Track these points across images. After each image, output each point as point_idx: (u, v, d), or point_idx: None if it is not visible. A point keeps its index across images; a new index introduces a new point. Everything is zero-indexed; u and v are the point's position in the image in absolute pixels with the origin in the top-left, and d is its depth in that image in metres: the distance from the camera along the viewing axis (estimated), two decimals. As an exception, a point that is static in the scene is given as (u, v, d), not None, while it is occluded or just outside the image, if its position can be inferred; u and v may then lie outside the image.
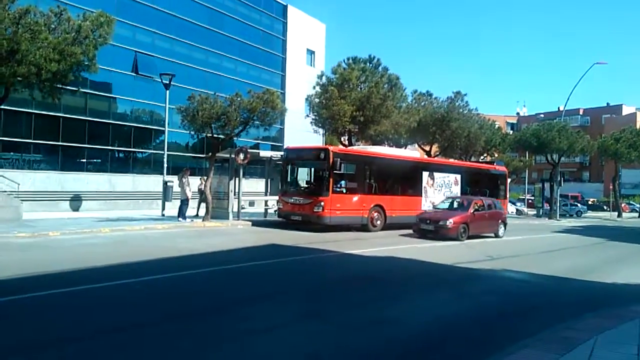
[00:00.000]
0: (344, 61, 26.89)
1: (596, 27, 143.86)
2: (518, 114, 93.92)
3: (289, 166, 20.01)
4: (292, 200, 18.99)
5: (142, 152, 30.84)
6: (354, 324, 6.53)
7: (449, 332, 6.47)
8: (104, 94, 28.04)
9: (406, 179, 21.62)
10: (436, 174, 22.78)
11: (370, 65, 26.79)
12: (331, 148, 19.10)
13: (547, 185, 40.87)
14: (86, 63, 15.39)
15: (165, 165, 22.33)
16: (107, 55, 20.26)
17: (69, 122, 26.04)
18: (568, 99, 52.85)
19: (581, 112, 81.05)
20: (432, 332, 6.38)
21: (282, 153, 21.35)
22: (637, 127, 54.59)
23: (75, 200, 25.25)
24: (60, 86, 16.49)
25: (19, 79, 14.95)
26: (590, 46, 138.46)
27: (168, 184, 21.74)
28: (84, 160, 27.28)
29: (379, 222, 19.60)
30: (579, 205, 48.62)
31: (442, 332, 6.45)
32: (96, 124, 27.44)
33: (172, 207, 21.41)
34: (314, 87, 27.12)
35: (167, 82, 21.95)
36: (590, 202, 55.28)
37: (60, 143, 25.81)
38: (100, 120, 27.69)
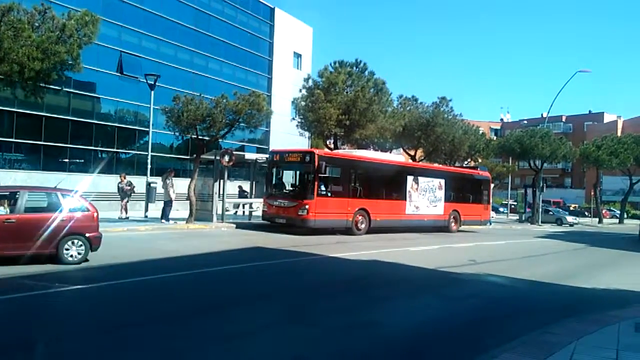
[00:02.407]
0: (331, 65, 26.95)
1: (580, 35, 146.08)
2: (502, 120, 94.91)
3: (274, 169, 19.98)
4: (277, 203, 18.97)
5: (125, 153, 30.57)
6: (338, 328, 6.53)
7: (433, 335, 6.51)
8: (87, 94, 27.77)
9: (391, 183, 21.70)
10: (420, 179, 22.90)
11: (357, 69, 26.88)
12: (317, 151, 19.12)
13: (529, 190, 41.30)
14: (70, 62, 15.19)
15: (149, 166, 22.15)
16: (91, 55, 20.09)
17: (52, 121, 25.74)
18: (551, 106, 53.66)
19: (564, 119, 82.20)
20: (416, 336, 6.41)
21: (267, 155, 21.31)
22: (618, 134, 55.57)
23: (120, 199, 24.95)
24: (44, 85, 16.27)
25: (1, 77, 14.74)
26: (574, 54, 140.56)
27: (151, 185, 21.57)
28: (67, 160, 26.97)
29: (363, 225, 19.65)
30: (560, 211, 49.20)
31: (426, 335, 6.48)
32: (79, 123, 27.15)
33: (156, 209, 21.24)
34: (300, 90, 27.14)
35: (152, 82, 21.80)
36: (571, 208, 55.97)
37: (42, 142, 25.49)
38: (84, 120, 27.42)
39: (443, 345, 6.14)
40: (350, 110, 25.23)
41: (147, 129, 24.30)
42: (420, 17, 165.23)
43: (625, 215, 52.54)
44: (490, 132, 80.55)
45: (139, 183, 26.72)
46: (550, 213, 42.69)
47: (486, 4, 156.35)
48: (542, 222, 38.95)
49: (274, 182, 19.90)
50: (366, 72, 26.94)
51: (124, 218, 19.75)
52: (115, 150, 29.34)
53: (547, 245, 20.96)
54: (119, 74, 28.70)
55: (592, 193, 49.81)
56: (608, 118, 78.90)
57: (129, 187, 20.30)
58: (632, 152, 43.63)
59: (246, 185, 23.87)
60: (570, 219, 42.24)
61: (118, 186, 20.42)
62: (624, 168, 45.88)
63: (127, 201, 20.48)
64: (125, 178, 20.54)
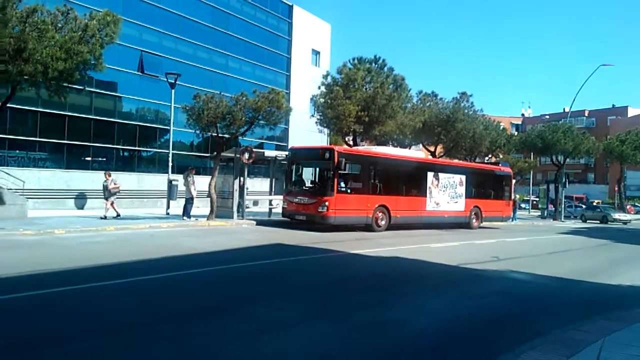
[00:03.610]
0: (350, 61, 26.93)
1: (602, 28, 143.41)
2: (523, 115, 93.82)
3: (294, 166, 20.01)
4: (297, 199, 19.00)
5: (147, 151, 30.96)
6: (362, 325, 6.52)
7: (457, 333, 6.45)
8: (109, 93, 28.17)
9: (411, 180, 21.59)
10: (441, 175, 22.74)
11: (376, 65, 26.79)
12: (336, 148, 19.09)
13: (551, 186, 40.71)
14: (92, 62, 15.46)
15: (170, 164, 22.40)
16: (113, 55, 20.37)
17: (75, 120, 26.18)
18: (574, 100, 52.85)
19: (586, 114, 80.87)
20: (440, 333, 6.36)
21: (287, 153, 21.35)
22: (643, 128, 54.44)
23: (81, 199, 25.32)
24: (67, 85, 16.56)
25: (25, 77, 15.03)
26: (597, 48, 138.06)
27: (173, 182, 21.80)
28: (89, 158, 27.41)
29: (383, 222, 19.59)
30: (583, 207, 48.45)
31: (450, 333, 6.43)
32: (101, 122, 27.58)
33: (177, 206, 21.45)
34: (319, 87, 27.14)
35: (173, 81, 22.00)
36: (594, 204, 55.11)
37: (65, 141, 25.94)
38: (106, 118, 27.84)
39: (467, 343, 6.08)
40: (370, 106, 25.17)
41: (168, 127, 24.57)
42: (439, 12, 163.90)
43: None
44: (512, 127, 79.69)
45: (160, 181, 27.11)
46: (598, 210, 41.32)
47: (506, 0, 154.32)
48: (564, 217, 38.45)
49: (293, 179, 19.93)
50: (385, 69, 26.85)
51: (103, 217, 18.67)
52: (136, 148, 29.71)
53: (570, 241, 20.68)
54: (140, 73, 29.06)
55: (616, 188, 49.01)
56: (632, 112, 77.38)
57: (114, 186, 19.47)
58: (657, 146, 42.78)
59: (265, 183, 23.91)
60: (619, 215, 39.69)
61: (103, 185, 19.64)
62: (649, 163, 44.98)
63: (113, 201, 19.40)
64: (110, 176, 19.70)
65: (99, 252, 11.47)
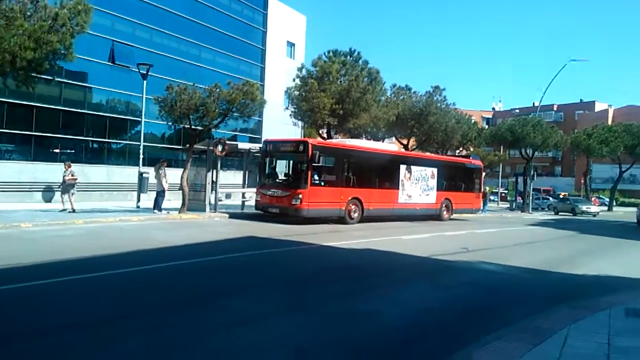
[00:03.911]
0: (325, 54, 26.88)
1: (572, 24, 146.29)
2: (494, 109, 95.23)
3: (268, 158, 19.97)
4: (270, 192, 18.99)
5: (117, 143, 30.38)
6: (335, 316, 6.60)
7: (428, 323, 6.59)
8: (79, 84, 27.50)
9: (384, 172, 21.77)
10: (413, 168, 22.99)
11: (351, 58, 26.81)
12: (310, 141, 19.13)
13: (520, 179, 41.51)
14: (62, 52, 15.04)
15: (141, 156, 22.06)
16: (83, 44, 19.86)
17: (43, 111, 25.50)
18: (543, 94, 54.01)
19: (555, 108, 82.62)
20: (411, 324, 6.48)
21: (260, 145, 21.28)
22: (609, 123, 55.99)
23: (48, 192, 24.72)
24: (35, 75, 16.12)
25: (-8, 66, 14.58)
26: (566, 43, 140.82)
27: (144, 175, 21.50)
28: (58, 150, 26.77)
29: (356, 214, 19.73)
30: (550, 199, 49.56)
31: (421, 323, 6.56)
32: (71, 113, 26.93)
33: (148, 199, 21.19)
34: (294, 80, 27.05)
35: (145, 72, 21.64)
36: (561, 196, 56.44)
37: (33, 133, 25.26)
38: (75, 110, 27.18)
39: (438, 333, 6.22)
40: (344, 99, 25.21)
41: (140, 119, 24.16)
42: (413, 6, 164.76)
43: (615, 203, 53.06)
44: (482, 120, 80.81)
45: (131, 173, 26.66)
46: (568, 202, 41.91)
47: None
48: (532, 209, 39.29)
49: (267, 171, 19.88)
50: (360, 62, 26.88)
51: (64, 210, 18.03)
52: (106, 140, 29.15)
53: (538, 233, 21.18)
54: (111, 64, 28.42)
55: (582, 181, 50.28)
56: (599, 107, 79.41)
57: (70, 177, 18.40)
58: (622, 140, 43.98)
59: (238, 175, 23.78)
60: (587, 208, 39.78)
61: (63, 176, 18.60)
62: (614, 156, 46.27)
63: (73, 193, 18.49)
64: (70, 167, 18.65)
65: (68, 246, 11.28)
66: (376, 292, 8.22)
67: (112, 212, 18.53)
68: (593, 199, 47.71)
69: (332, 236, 15.22)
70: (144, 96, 21.90)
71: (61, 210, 17.96)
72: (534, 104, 74.29)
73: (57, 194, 24.82)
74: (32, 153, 25.28)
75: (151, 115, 23.95)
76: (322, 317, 6.53)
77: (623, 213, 45.29)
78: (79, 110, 27.35)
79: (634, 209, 42.48)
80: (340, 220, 19.26)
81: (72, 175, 18.54)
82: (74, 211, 17.87)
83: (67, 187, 18.44)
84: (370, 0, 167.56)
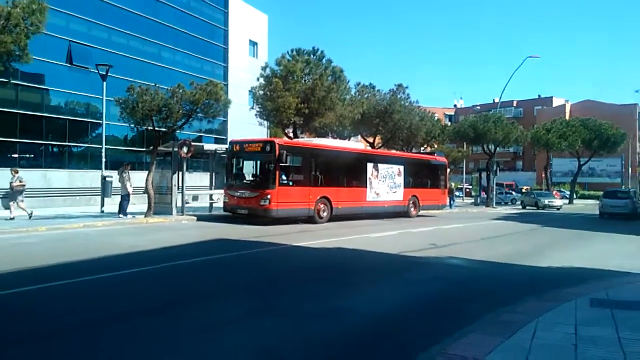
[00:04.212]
0: (288, 53, 26.81)
1: (530, 20, 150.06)
2: (455, 106, 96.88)
3: (234, 159, 19.79)
4: (238, 193, 18.84)
5: (78, 146, 29.58)
6: (307, 316, 6.57)
7: (398, 319, 6.63)
8: (36, 86, 26.68)
9: (351, 171, 21.86)
10: (380, 165, 23.16)
11: (314, 57, 26.82)
12: (277, 140, 19.06)
13: (484, 174, 42.38)
14: (17, 53, 14.59)
15: (104, 159, 21.58)
16: (39, 45, 19.26)
17: (-1, 115, 24.64)
18: (503, 91, 55.13)
19: (515, 104, 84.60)
20: (384, 320, 6.51)
21: (227, 146, 21.08)
22: (567, 118, 57.69)
23: (7, 198, 23.90)
24: (-11, 77, 15.59)
25: (-59, 69, 14.02)
26: (524, 40, 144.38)
27: (107, 179, 21.02)
28: (16, 155, 25.89)
29: (325, 213, 19.76)
30: (513, 193, 50.74)
31: (392, 319, 6.60)
32: (28, 116, 26.08)
33: (112, 204, 20.73)
34: (258, 79, 26.91)
35: (104, 72, 21.15)
36: (523, 190, 57.84)
37: (-12, 137, 24.38)
38: (33, 113, 26.34)
39: (410, 327, 6.27)
40: (309, 98, 25.21)
41: (100, 121, 23.62)
42: (374, 6, 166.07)
43: (575, 196, 54.69)
44: (445, 117, 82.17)
45: (93, 177, 26.00)
46: (532, 196, 42.61)
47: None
48: (495, 204, 40.14)
49: (234, 172, 19.71)
50: (324, 60, 26.94)
51: (12, 219, 16.97)
52: (67, 143, 28.36)
53: (503, 226, 21.63)
54: (68, 65, 27.66)
55: (543, 175, 51.64)
56: (557, 102, 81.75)
57: (18, 184, 17.48)
58: (579, 134, 45.41)
59: (205, 177, 23.50)
60: (550, 201, 40.50)
61: (10, 183, 17.65)
62: (573, 150, 47.75)
63: (22, 200, 17.65)
64: (17, 173, 17.72)
65: (31, 253, 10.94)
66: (348, 290, 8.23)
67: (76, 218, 18.06)
68: (554, 192, 49.05)
69: (302, 236, 15.19)
70: (104, 98, 21.40)
71: (9, 219, 16.95)
72: (494, 100, 75.82)
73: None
74: (-11, 158, 24.38)
75: (112, 117, 23.42)
76: (294, 318, 6.50)
77: (584, 205, 46.76)
78: (36, 114, 26.52)
79: (594, 202, 43.96)
80: (310, 219, 19.25)
81: (20, 182, 17.65)
82: (30, 216, 17.20)
83: (14, 194, 17.57)
84: (330, 1, 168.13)
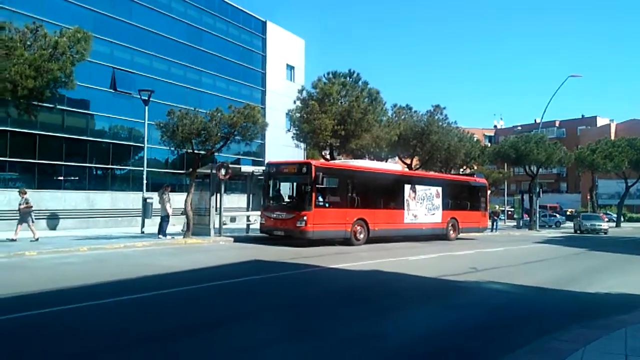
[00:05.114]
0: (324, 76, 27.08)
1: (570, 39, 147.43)
2: (495, 126, 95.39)
3: (271, 181, 19.89)
4: (275, 215, 18.87)
5: (120, 169, 30.47)
6: (344, 341, 6.42)
7: (439, 345, 6.41)
8: (81, 111, 27.73)
9: (388, 193, 21.65)
10: (418, 187, 22.86)
11: (350, 79, 26.98)
12: (313, 162, 19.06)
13: (526, 196, 41.31)
14: (63, 79, 15.16)
15: (145, 181, 22.07)
16: (84, 72, 20.04)
17: (46, 139, 25.65)
18: (545, 111, 54.12)
19: (557, 124, 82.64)
20: (422, 346, 6.31)
21: (264, 168, 21.24)
22: (612, 138, 55.91)
23: (53, 219, 24.72)
24: (37, 103, 16.23)
25: (-6, 96, 14.68)
26: (565, 59, 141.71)
27: (148, 200, 21.46)
28: (61, 177, 26.85)
29: (362, 235, 19.55)
30: (557, 216, 49.23)
31: (432, 345, 6.38)
32: (73, 140, 27.07)
33: (152, 225, 21.09)
34: (295, 102, 27.19)
35: (146, 97, 21.74)
36: (568, 213, 56.05)
37: (36, 161, 25.37)
38: (78, 137, 27.34)
39: (451, 354, 6.04)
40: (345, 120, 25.27)
41: (142, 145, 24.24)
42: (410, 26, 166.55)
43: (622, 219, 52.63)
44: (485, 138, 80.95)
45: (135, 199, 26.61)
46: (578, 219, 40.16)
47: (476, 12, 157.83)
48: (539, 226, 38.99)
49: (271, 194, 19.79)
50: (360, 82, 27.07)
51: (13, 240, 16.62)
52: (110, 166, 29.23)
53: (547, 250, 20.93)
54: (112, 91, 28.67)
55: (588, 197, 49.96)
56: (601, 122, 79.42)
57: (25, 206, 17.21)
58: (626, 155, 43.81)
59: (242, 199, 23.71)
60: (592, 224, 37.13)
61: (18, 204, 17.47)
62: (619, 171, 46.04)
63: (32, 221, 17.37)
64: (25, 194, 17.40)
65: (71, 273, 11.17)
66: (386, 314, 8.04)
67: (117, 239, 18.43)
68: (601, 214, 47.39)
69: (339, 258, 15.04)
70: (146, 122, 21.99)
71: (11, 240, 16.57)
72: (535, 120, 74.35)
73: (62, 221, 24.86)
74: (36, 181, 25.34)
75: (154, 140, 24.03)
76: (331, 342, 6.35)
77: (632, 229, 44.85)
78: (81, 137, 27.51)
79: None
80: (346, 241, 19.08)
81: (27, 203, 17.39)
82: (37, 240, 16.79)
83: (23, 216, 17.29)
84: (366, 23, 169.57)
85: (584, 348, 5.76)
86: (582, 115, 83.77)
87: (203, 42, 35.24)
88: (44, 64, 14.34)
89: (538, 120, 48.43)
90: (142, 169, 22.86)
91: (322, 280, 11.73)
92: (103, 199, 27.56)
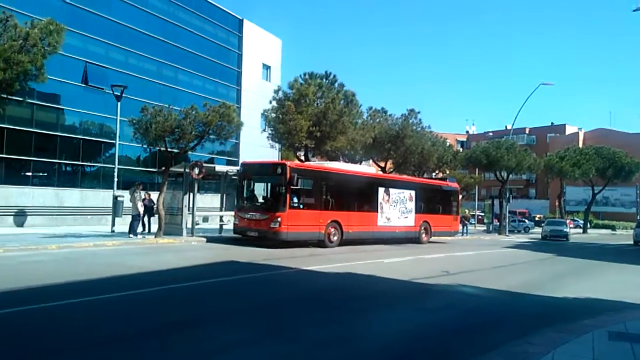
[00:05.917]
0: (301, 76, 26.99)
1: (542, 48, 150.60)
2: (468, 132, 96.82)
3: (246, 181, 19.76)
4: (249, 215, 18.75)
5: (91, 166, 29.82)
6: (316, 343, 6.40)
7: (411, 347, 6.44)
8: (51, 105, 27.03)
9: (362, 195, 21.72)
10: (391, 190, 23.00)
11: (327, 81, 26.98)
12: (288, 163, 19.00)
13: (496, 201, 41.95)
14: (34, 72, 14.76)
15: (116, 179, 21.66)
16: (56, 65, 19.60)
17: (14, 133, 24.93)
18: (515, 118, 55.07)
19: (527, 131, 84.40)
20: (395, 348, 6.33)
21: (238, 168, 21.08)
22: (580, 146, 57.32)
23: (20, 216, 24.05)
24: (6, 96, 15.76)
25: (-40, 87, 14.22)
26: (537, 67, 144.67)
27: (118, 198, 21.07)
28: (30, 173, 26.13)
29: (335, 237, 19.56)
30: (526, 221, 50.16)
31: (405, 347, 6.42)
32: (43, 135, 26.39)
33: (123, 223, 20.72)
34: (270, 102, 27.05)
35: (119, 93, 21.37)
36: (537, 219, 57.15)
37: (4, 155, 24.63)
38: (47, 132, 26.65)
39: (422, 358, 6.07)
40: (321, 121, 25.25)
41: (114, 141, 23.81)
42: (386, 30, 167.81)
43: (589, 225, 53.92)
44: (457, 143, 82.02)
45: (105, 197, 26.10)
46: (514, 222, 41.90)
47: (451, 18, 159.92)
48: (508, 231, 39.66)
49: (245, 194, 19.65)
50: (336, 84, 27.10)
51: None
52: (80, 163, 28.59)
53: (517, 255, 21.28)
54: (84, 85, 28.04)
55: (557, 203, 51.07)
56: (570, 130, 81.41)
57: None
58: (593, 162, 44.92)
59: (216, 199, 23.48)
60: (552, 230, 36.98)
61: None
62: (587, 178, 47.18)
63: None
64: None
65: (39, 272, 10.88)
66: (358, 316, 8.05)
67: (86, 237, 18.05)
68: (567, 220, 48.47)
69: (313, 260, 15.02)
70: (118, 118, 21.59)
71: None
72: (506, 126, 75.80)
73: (30, 218, 24.21)
74: (3, 176, 24.61)
75: (126, 137, 23.61)
76: (303, 344, 6.33)
77: (598, 235, 45.94)
78: (51, 133, 26.83)
79: (608, 231, 43.08)
80: (320, 243, 19.07)
81: None
82: None
83: None
84: (344, 25, 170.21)
85: (553, 351, 5.86)
86: (552, 123, 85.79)
87: (179, 38, 34.78)
88: (14, 55, 13.94)
89: (509, 127, 49.35)
90: (113, 166, 22.43)
91: (296, 282, 11.68)
92: (72, 196, 26.94)
